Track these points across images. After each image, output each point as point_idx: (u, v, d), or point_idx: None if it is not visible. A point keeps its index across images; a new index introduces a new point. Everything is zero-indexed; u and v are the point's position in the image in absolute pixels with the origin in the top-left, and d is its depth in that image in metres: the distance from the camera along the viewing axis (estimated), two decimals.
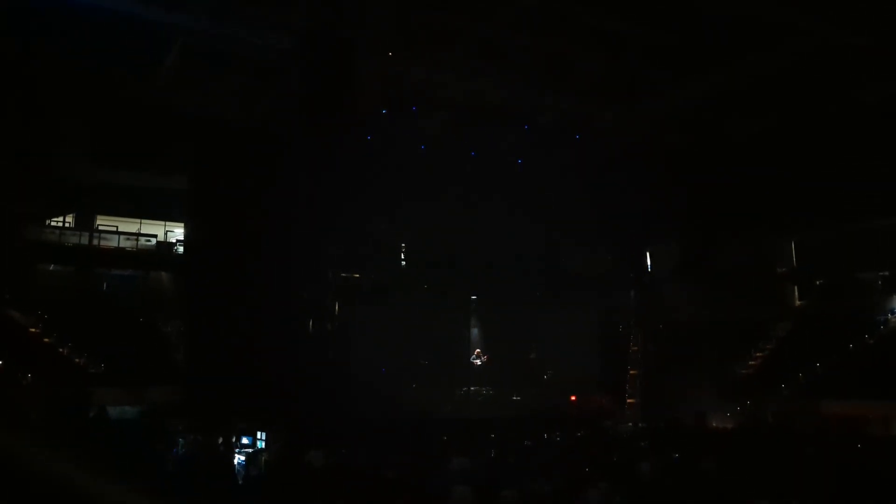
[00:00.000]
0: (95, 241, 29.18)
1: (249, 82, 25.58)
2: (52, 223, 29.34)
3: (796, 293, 35.12)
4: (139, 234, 30.34)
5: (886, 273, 31.84)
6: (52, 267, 29.51)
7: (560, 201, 28.02)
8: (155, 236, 30.75)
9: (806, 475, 13.42)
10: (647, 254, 34.09)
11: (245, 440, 19.14)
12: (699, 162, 28.30)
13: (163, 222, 31.29)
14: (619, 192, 28.91)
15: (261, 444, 19.19)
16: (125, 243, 29.71)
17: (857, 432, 23.33)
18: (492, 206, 27.19)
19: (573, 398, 29.35)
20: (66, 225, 29.94)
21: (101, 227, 29.89)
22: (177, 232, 31.09)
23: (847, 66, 25.56)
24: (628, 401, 30.70)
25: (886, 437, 23.42)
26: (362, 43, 23.39)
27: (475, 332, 29.88)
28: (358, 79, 23.94)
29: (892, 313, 29.86)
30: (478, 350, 29.12)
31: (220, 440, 17.71)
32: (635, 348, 32.16)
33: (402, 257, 29.07)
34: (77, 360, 24.94)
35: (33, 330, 25.43)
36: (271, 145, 24.45)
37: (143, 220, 30.86)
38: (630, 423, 28.00)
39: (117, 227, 30.12)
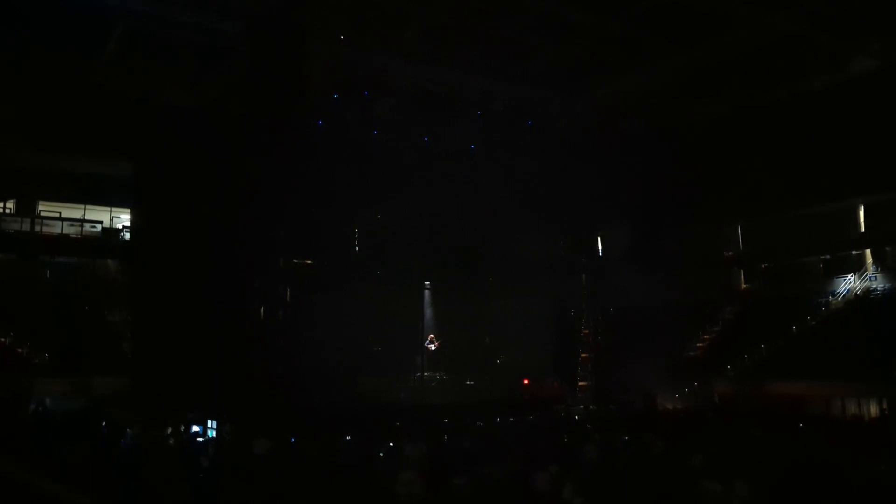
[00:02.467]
0: (38, 228, 28.35)
1: (197, 66, 25.02)
2: None
3: (742, 277, 36.00)
4: (84, 221, 29.54)
5: (828, 257, 32.84)
6: None
7: (512, 187, 28.09)
8: (100, 223, 29.98)
9: (751, 454, 13.76)
10: (598, 239, 34.48)
11: (196, 429, 18.92)
12: (649, 148, 28.67)
13: (108, 208, 30.52)
14: (571, 177, 29.13)
15: (211, 434, 19.00)
16: (69, 230, 28.89)
17: (799, 411, 24.08)
18: (444, 191, 27.13)
19: (526, 382, 29.61)
20: (6, 211, 29.02)
21: (43, 214, 29.05)
22: (123, 218, 30.36)
23: (793, 56, 26.16)
24: (580, 384, 31.09)
25: (826, 416, 24.22)
26: (312, 27, 23.06)
27: (428, 317, 29.87)
28: (308, 63, 23.60)
29: (833, 296, 30.81)
30: (431, 335, 29.14)
31: (170, 430, 17.44)
32: (587, 332, 32.56)
33: (355, 244, 28.85)
34: (19, 350, 24.28)
35: None
36: (220, 130, 23.97)
37: (87, 206, 30.06)
38: (581, 406, 28.39)
39: (60, 213, 29.29)
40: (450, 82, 27.17)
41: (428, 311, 29.88)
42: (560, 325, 31.17)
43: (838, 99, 26.99)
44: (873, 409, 24.26)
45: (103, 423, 17.52)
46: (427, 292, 29.93)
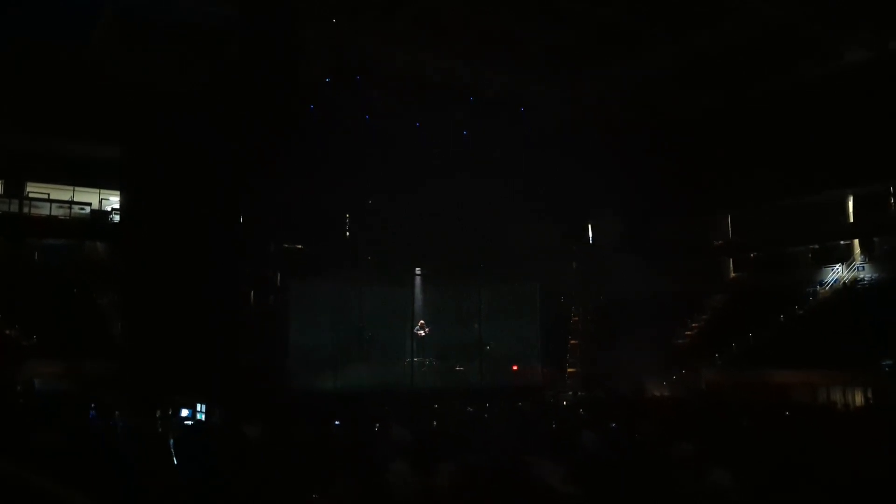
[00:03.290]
0: (26, 210, 28.17)
1: (188, 48, 24.80)
2: None
3: (731, 266, 36.19)
4: (72, 202, 29.37)
5: (816, 247, 33.06)
6: None
7: (503, 174, 28.07)
8: (89, 204, 29.80)
9: (737, 442, 13.88)
10: (589, 227, 34.57)
11: (185, 412, 18.88)
12: (640, 137, 28.71)
13: (97, 190, 30.33)
14: (562, 166, 29.14)
15: (201, 417, 18.98)
16: (57, 211, 28.74)
17: (785, 400, 24.28)
18: (436, 178, 27.08)
19: (515, 368, 29.71)
20: None
21: (31, 195, 28.85)
22: (112, 200, 30.18)
23: (784, 47, 26.18)
24: (569, 371, 31.26)
25: (812, 404, 24.43)
26: (305, 11, 22.91)
27: (419, 303, 29.86)
28: (300, 47, 23.45)
29: (821, 285, 31.02)
30: (421, 321, 29.13)
31: (158, 413, 17.42)
32: (576, 319, 32.70)
33: (347, 229, 28.81)
34: (7, 331, 24.17)
35: None
36: (210, 113, 23.81)
37: (76, 188, 29.87)
38: (570, 393, 28.54)
39: (49, 194, 29.10)
40: (442, 69, 27.06)
41: (419, 297, 29.87)
42: (550, 311, 31.25)
43: (829, 90, 27.05)
44: (858, 398, 24.50)
45: (92, 406, 17.48)
46: (418, 278, 29.93)
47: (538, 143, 29.00)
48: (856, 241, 31.91)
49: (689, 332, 32.53)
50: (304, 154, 24.22)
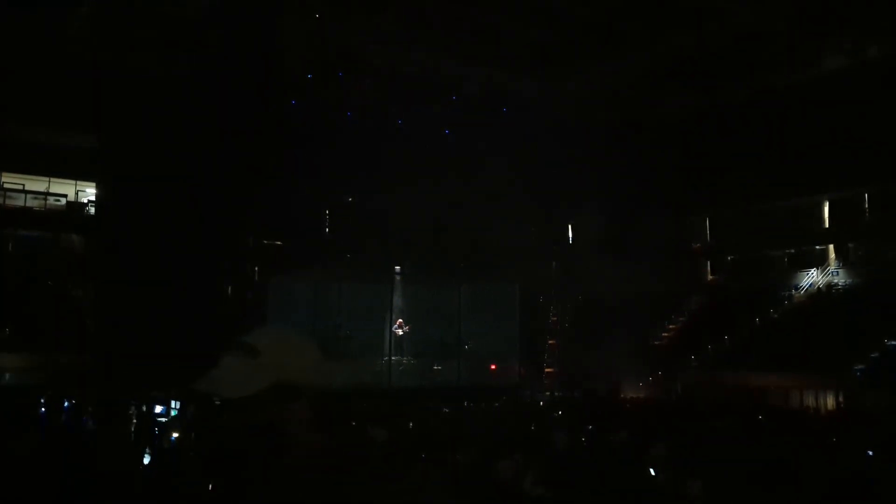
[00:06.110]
0: (0, 200, 27.74)
1: (167, 37, 24.53)
2: None
3: (709, 269, 36.46)
4: (48, 194, 28.97)
5: (792, 251, 33.39)
6: None
7: (485, 173, 28.07)
8: (65, 196, 29.40)
9: (711, 445, 13.95)
10: (569, 227, 34.66)
11: (159, 409, 18.67)
12: (621, 138, 28.81)
13: (74, 181, 29.95)
14: (544, 165, 29.19)
15: (175, 413, 18.78)
16: (32, 203, 28.34)
17: (760, 403, 24.47)
18: (416, 175, 27.01)
19: (493, 367, 29.70)
20: None
21: (5, 186, 28.42)
22: (89, 192, 29.80)
23: (765, 52, 26.40)
24: (546, 370, 31.33)
25: (786, 408, 24.65)
26: (289, 3, 22.75)
27: (397, 301, 29.77)
28: (283, 40, 23.29)
29: (796, 290, 31.32)
30: (400, 320, 29.05)
31: (132, 410, 17.20)
32: (555, 319, 32.78)
33: (326, 226, 28.68)
34: None
35: None
36: (190, 105, 23.56)
37: (52, 179, 29.47)
38: (547, 393, 28.61)
39: (24, 185, 28.68)
40: (426, 65, 26.98)
41: (398, 296, 29.78)
42: (529, 311, 31.30)
43: (807, 96, 27.31)
44: (830, 402, 24.75)
45: (65, 402, 17.23)
46: (397, 277, 29.84)
47: (520, 142, 29.02)
48: (831, 247, 32.26)
49: (666, 334, 32.73)
50: (285, 149, 24.06)
